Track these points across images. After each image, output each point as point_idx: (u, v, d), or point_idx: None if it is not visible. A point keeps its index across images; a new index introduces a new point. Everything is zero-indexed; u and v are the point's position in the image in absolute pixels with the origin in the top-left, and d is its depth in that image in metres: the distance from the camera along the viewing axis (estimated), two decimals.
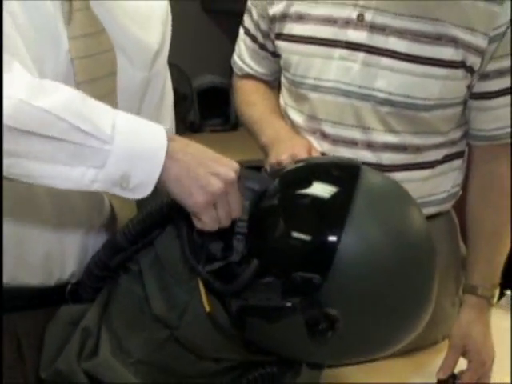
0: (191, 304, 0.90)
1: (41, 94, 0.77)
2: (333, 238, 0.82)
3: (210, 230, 0.86)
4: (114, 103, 1.01)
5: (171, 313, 0.91)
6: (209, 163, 0.85)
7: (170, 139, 0.83)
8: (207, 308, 0.88)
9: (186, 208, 0.84)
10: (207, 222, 0.84)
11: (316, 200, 0.88)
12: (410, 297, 0.86)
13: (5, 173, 0.78)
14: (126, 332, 0.95)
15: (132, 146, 0.81)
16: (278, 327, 0.85)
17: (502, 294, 1.52)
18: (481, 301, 1.31)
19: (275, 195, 0.90)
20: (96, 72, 1.01)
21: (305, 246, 0.85)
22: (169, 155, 0.81)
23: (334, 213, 0.86)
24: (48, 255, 1.02)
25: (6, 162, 0.77)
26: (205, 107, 3.06)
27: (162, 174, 0.81)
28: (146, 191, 0.82)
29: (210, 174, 0.83)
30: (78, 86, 0.97)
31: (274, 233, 0.87)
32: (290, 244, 0.85)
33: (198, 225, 0.85)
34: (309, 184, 0.89)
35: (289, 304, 0.82)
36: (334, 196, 0.88)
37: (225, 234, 0.87)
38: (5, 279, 0.98)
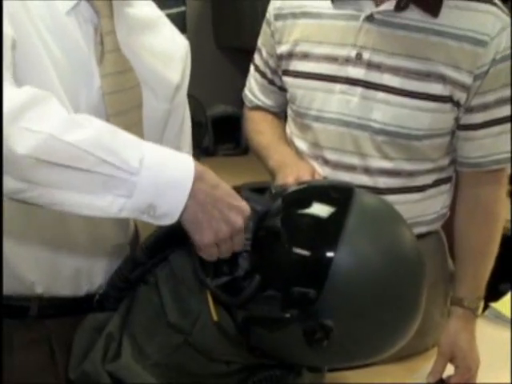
0: (202, 313, 0.92)
1: (72, 129, 0.76)
2: (327, 255, 0.83)
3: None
4: (140, 132, 1.03)
5: (184, 320, 0.93)
6: (223, 208, 0.84)
7: (197, 178, 0.81)
8: (215, 317, 0.91)
9: (192, 239, 0.84)
10: (206, 255, 0.86)
11: (313, 219, 0.91)
12: (399, 309, 0.88)
13: (33, 202, 0.78)
14: (144, 337, 0.96)
15: (158, 177, 0.79)
16: (279, 336, 0.88)
17: (486, 306, 1.56)
18: (467, 312, 1.33)
19: (276, 215, 0.91)
20: (124, 105, 1.04)
21: (302, 262, 0.86)
22: (191, 194, 0.80)
23: (328, 231, 0.87)
24: (78, 271, 1.05)
25: (35, 192, 0.76)
26: (218, 133, 3.08)
27: (191, 199, 0.80)
28: (172, 219, 0.80)
29: (221, 220, 0.83)
30: (108, 117, 0.99)
31: (274, 250, 0.89)
32: (288, 260, 0.86)
33: (199, 252, 0.86)
34: (307, 205, 0.92)
35: (288, 315, 0.84)
36: (329, 215, 0.90)
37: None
38: (39, 290, 1.02)
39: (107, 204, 0.77)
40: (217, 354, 0.94)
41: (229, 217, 0.83)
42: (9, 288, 0.99)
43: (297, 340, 0.85)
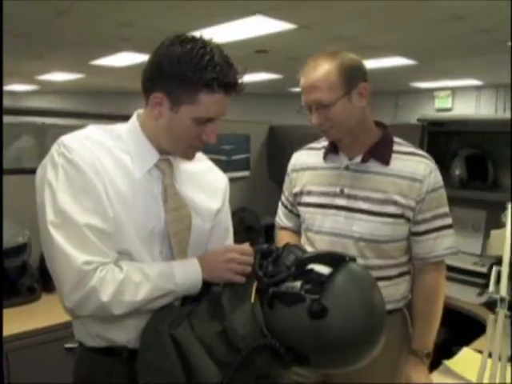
0: (244, 303, 0.99)
1: (144, 287, 1.02)
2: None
3: (240, 281, 1.06)
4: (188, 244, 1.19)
5: (232, 312, 1.01)
6: (217, 261, 1.08)
7: (203, 266, 1.08)
8: (253, 300, 0.99)
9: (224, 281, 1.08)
10: (237, 280, 1.06)
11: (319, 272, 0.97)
12: (371, 330, 0.94)
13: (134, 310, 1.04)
14: (197, 322, 1.03)
15: (185, 285, 1.08)
16: (292, 310, 0.92)
17: (440, 363, 1.60)
18: (418, 360, 1.44)
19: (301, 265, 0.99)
20: (180, 228, 1.14)
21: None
22: (202, 269, 1.08)
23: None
24: (139, 332, 1.12)
25: (131, 308, 1.02)
26: (268, 236, 3.22)
27: (204, 276, 1.07)
28: (194, 292, 1.11)
29: (221, 268, 1.07)
30: (170, 237, 1.12)
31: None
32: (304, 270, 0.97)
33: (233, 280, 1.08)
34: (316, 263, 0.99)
35: (303, 292, 0.92)
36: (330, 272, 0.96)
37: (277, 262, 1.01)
38: (131, 346, 1.12)
39: (165, 302, 1.10)
40: (239, 335, 0.97)
41: (223, 259, 1.09)
42: (116, 340, 1.14)
43: (303, 317, 0.91)
